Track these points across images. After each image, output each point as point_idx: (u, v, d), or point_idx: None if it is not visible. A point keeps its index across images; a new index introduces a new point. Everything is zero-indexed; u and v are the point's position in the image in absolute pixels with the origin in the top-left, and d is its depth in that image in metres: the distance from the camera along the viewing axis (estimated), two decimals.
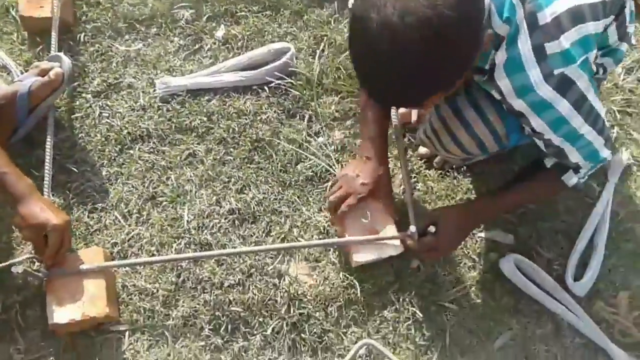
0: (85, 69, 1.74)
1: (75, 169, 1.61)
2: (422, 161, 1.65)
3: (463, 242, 1.52)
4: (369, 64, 1.05)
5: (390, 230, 1.47)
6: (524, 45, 1.11)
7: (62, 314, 1.37)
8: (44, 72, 1.59)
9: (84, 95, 1.71)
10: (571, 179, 1.33)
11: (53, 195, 1.54)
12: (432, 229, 1.39)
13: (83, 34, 1.79)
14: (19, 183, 1.35)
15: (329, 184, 1.56)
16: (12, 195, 1.35)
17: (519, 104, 1.16)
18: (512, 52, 1.12)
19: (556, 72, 1.12)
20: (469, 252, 1.54)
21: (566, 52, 1.11)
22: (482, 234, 1.56)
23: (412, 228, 1.41)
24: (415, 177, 1.63)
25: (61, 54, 1.63)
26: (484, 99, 1.29)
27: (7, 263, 1.37)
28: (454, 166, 1.62)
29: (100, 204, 1.57)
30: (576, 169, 1.31)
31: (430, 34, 0.97)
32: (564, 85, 1.13)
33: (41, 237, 1.36)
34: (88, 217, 1.55)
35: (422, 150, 1.64)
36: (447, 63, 1.03)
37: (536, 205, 1.59)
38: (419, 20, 0.96)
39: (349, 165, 1.51)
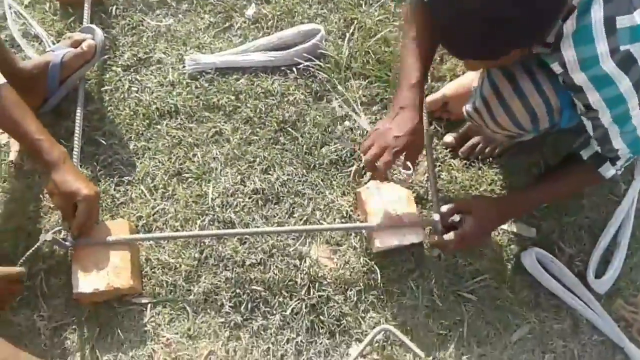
0: (116, 42, 1.75)
1: (103, 142, 1.62)
2: (447, 150, 1.65)
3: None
4: (453, 11, 1.05)
5: (413, 216, 1.48)
6: (596, 14, 1.09)
7: (86, 284, 1.39)
8: (76, 44, 1.60)
9: (114, 68, 1.72)
10: (608, 171, 1.32)
11: (81, 166, 1.56)
12: (456, 217, 1.39)
13: (115, 7, 1.80)
14: (53, 150, 1.37)
15: (363, 140, 1.49)
16: (46, 162, 1.37)
17: (581, 78, 1.14)
18: (583, 21, 1.10)
19: (622, 48, 1.10)
20: (490, 244, 1.54)
21: (637, 28, 1.09)
22: (505, 227, 1.55)
23: (436, 216, 1.41)
24: (439, 166, 1.63)
25: (94, 26, 1.64)
26: (540, 71, 1.27)
27: (40, 242, 1.40)
28: (479, 157, 1.61)
29: (127, 177, 1.59)
30: (613, 159, 1.30)
31: None
32: (628, 63, 1.11)
33: (71, 206, 1.38)
34: (115, 189, 1.57)
35: (448, 138, 1.63)
36: (534, 14, 1.02)
37: (562, 201, 1.58)
38: None
39: (382, 120, 1.41)
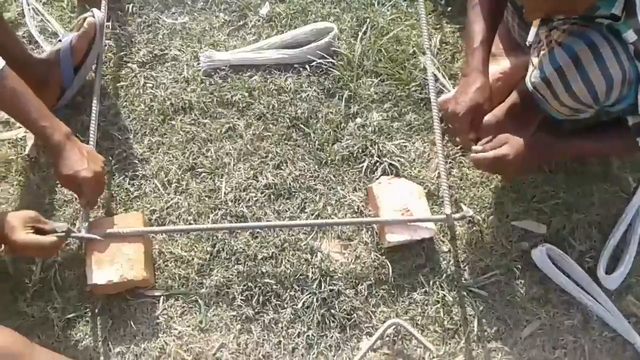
0: (132, 40, 1.78)
1: (118, 136, 1.65)
2: (458, 147, 1.66)
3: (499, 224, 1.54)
4: None
5: (424, 212, 1.49)
6: None
7: (100, 275, 1.41)
8: (79, 26, 1.63)
9: (129, 65, 1.74)
10: None
11: None
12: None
13: (131, 4, 1.82)
14: (54, 136, 1.38)
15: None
16: (49, 147, 1.41)
17: None
18: None
19: None
20: (500, 240, 1.55)
21: None
22: (515, 223, 1.56)
23: (447, 210, 1.42)
24: (450, 162, 1.64)
25: (94, 9, 1.67)
26: (615, 39, 1.25)
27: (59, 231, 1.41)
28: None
29: (141, 172, 1.61)
30: None
31: None
32: None
33: (76, 187, 1.42)
34: (129, 183, 1.59)
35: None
36: None
37: (571, 196, 1.59)
38: None
39: (458, 88, 1.47)
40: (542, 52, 1.36)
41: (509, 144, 1.38)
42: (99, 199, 1.51)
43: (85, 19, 1.63)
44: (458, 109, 1.39)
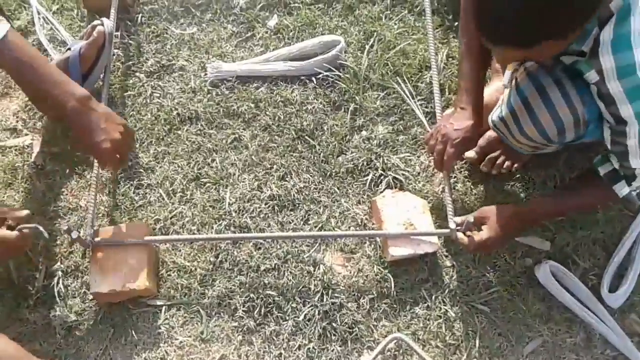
0: (140, 49, 1.79)
1: None
2: (464, 162, 1.66)
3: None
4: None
5: (428, 226, 1.49)
6: (636, 23, 1.09)
7: (103, 283, 1.41)
8: (88, 35, 1.64)
9: (137, 74, 1.76)
10: (622, 189, 1.32)
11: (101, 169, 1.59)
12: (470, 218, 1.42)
13: (140, 15, 1.84)
14: (67, 105, 1.32)
15: (425, 136, 1.58)
16: (65, 117, 1.34)
17: (615, 87, 1.15)
18: (622, 29, 1.10)
19: None
20: (504, 256, 1.54)
21: None
22: (519, 239, 1.55)
23: (452, 224, 1.42)
24: (455, 176, 1.64)
25: (103, 18, 1.68)
26: (570, 83, 1.28)
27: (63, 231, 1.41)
28: (500, 171, 1.61)
29: (146, 181, 1.62)
30: (629, 178, 1.30)
31: None
32: None
33: (96, 156, 1.42)
34: (134, 192, 1.60)
35: (470, 154, 1.63)
36: (569, 5, 1.01)
37: (576, 214, 1.58)
38: None
39: (444, 117, 1.54)
40: (505, 92, 1.44)
41: (489, 226, 1.40)
42: (118, 171, 1.56)
43: (95, 27, 1.64)
44: (455, 135, 1.44)
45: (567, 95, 1.29)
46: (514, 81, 1.38)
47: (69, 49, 1.66)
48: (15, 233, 1.34)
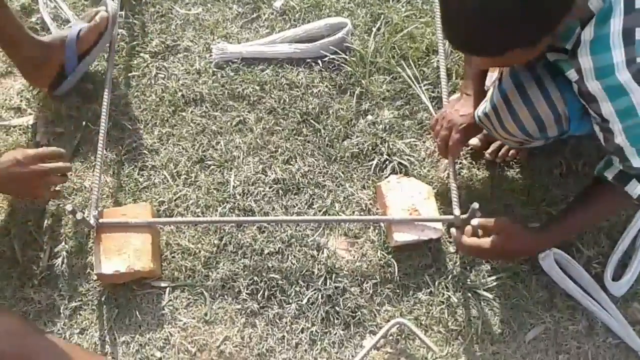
0: (145, 29, 1.78)
1: (129, 126, 1.65)
2: (469, 148, 1.65)
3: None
4: (457, 5, 1.05)
5: (432, 212, 1.49)
6: (615, 25, 1.08)
7: (108, 265, 1.42)
8: (91, 18, 1.63)
9: (142, 54, 1.74)
10: (635, 188, 1.27)
11: (106, 150, 1.58)
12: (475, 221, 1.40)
13: None
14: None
15: (431, 121, 1.59)
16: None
17: (594, 86, 1.14)
18: (602, 30, 1.09)
19: (639, 59, 1.09)
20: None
21: None
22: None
23: (456, 211, 1.42)
24: (460, 163, 1.63)
25: (107, 1, 1.66)
26: (550, 80, 1.28)
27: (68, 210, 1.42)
28: (505, 159, 1.61)
29: (150, 162, 1.61)
30: (638, 175, 1.26)
31: None
32: None
33: None
34: (138, 174, 1.60)
35: (474, 141, 1.62)
36: (536, 13, 1.01)
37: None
38: None
39: (450, 103, 1.56)
40: (491, 87, 1.44)
41: (499, 239, 1.36)
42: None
43: (97, 12, 1.63)
44: (460, 120, 1.46)
45: (547, 93, 1.28)
46: (498, 77, 1.38)
47: (70, 27, 1.64)
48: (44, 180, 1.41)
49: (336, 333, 1.45)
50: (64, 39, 1.60)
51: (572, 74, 1.18)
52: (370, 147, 1.64)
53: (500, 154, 1.62)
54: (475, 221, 1.40)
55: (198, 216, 1.56)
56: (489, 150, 1.63)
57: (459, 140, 1.46)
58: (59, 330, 1.44)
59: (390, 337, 1.45)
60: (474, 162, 1.63)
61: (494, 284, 1.50)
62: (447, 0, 1.08)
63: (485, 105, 1.42)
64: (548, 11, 1.03)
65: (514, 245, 1.37)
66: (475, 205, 1.39)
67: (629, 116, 1.15)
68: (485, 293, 1.49)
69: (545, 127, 1.33)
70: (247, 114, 1.68)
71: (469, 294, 1.49)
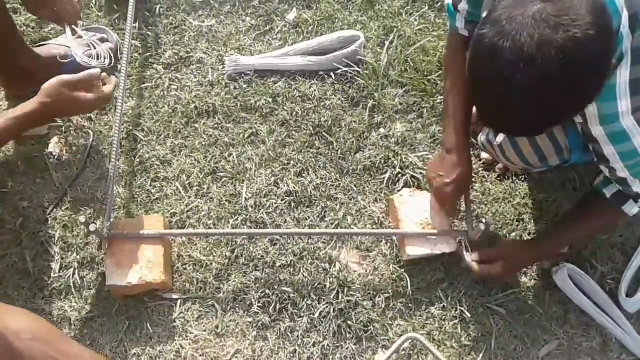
0: (158, 41, 1.78)
1: (142, 137, 1.65)
2: (481, 162, 1.65)
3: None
4: (499, 93, 1.01)
5: (445, 226, 1.48)
6: (623, 75, 1.08)
7: (119, 277, 1.41)
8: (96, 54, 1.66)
9: (155, 66, 1.75)
10: (632, 209, 1.30)
11: (119, 161, 1.59)
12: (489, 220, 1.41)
13: (159, 5, 1.83)
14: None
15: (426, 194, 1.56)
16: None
17: (598, 131, 1.14)
18: (610, 80, 1.08)
19: None
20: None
21: None
22: None
23: (482, 225, 1.41)
24: (473, 177, 1.62)
25: (106, 28, 1.70)
26: None
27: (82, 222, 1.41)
28: (516, 173, 1.61)
29: (163, 174, 1.61)
30: (636, 197, 1.28)
31: (570, 66, 0.94)
32: None
33: (51, 10, 1.48)
34: (150, 185, 1.60)
35: (485, 155, 1.63)
36: (581, 93, 1.00)
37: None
38: (558, 51, 0.93)
39: (433, 161, 1.51)
40: None
41: (504, 265, 1.40)
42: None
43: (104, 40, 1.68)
44: (447, 190, 1.43)
45: None
46: None
47: (68, 47, 1.63)
48: (90, 99, 1.39)
49: (348, 347, 1.44)
50: (62, 60, 1.60)
51: (576, 117, 1.18)
52: (382, 161, 1.63)
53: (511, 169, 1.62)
54: (475, 256, 1.44)
55: (210, 228, 1.55)
56: (499, 166, 1.63)
57: (452, 208, 1.48)
58: None
59: (403, 352, 1.44)
60: (486, 176, 1.63)
61: (508, 299, 1.49)
62: (487, 89, 1.04)
63: (488, 132, 1.43)
64: (593, 84, 1.01)
65: (519, 265, 1.45)
66: (490, 220, 1.39)
67: (630, 158, 1.17)
68: (498, 308, 1.48)
69: (546, 157, 1.34)
70: (259, 126, 1.67)
71: (482, 309, 1.48)
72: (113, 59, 1.62)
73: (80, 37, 1.58)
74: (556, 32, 0.93)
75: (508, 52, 0.96)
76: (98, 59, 1.59)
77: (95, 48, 1.58)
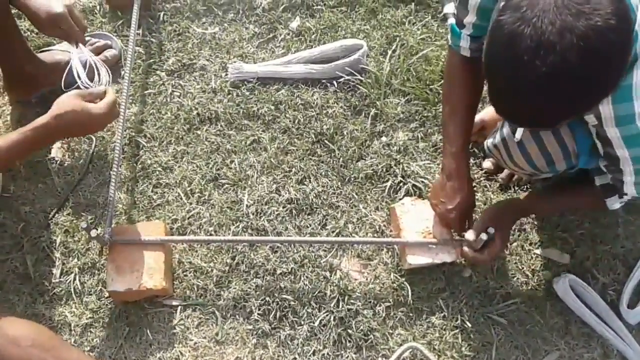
0: (162, 48, 1.79)
1: (144, 143, 1.65)
2: (483, 171, 1.65)
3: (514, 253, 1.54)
4: (516, 79, 1.00)
5: (447, 235, 1.48)
6: (638, 75, 1.07)
7: (120, 282, 1.41)
8: (98, 50, 1.65)
9: (158, 72, 1.75)
10: (615, 203, 1.32)
11: (121, 167, 1.59)
12: (483, 236, 1.38)
13: (162, 12, 1.84)
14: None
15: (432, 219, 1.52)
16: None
17: (613, 133, 1.14)
18: (625, 81, 1.07)
19: None
20: (522, 268, 1.53)
21: None
22: (538, 251, 1.54)
23: (469, 236, 1.40)
24: (475, 186, 1.62)
25: (110, 35, 1.71)
26: None
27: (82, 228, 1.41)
28: (519, 183, 1.61)
29: (164, 180, 1.61)
30: (622, 196, 1.29)
31: (590, 55, 0.93)
32: None
33: (58, 29, 1.46)
34: (152, 191, 1.60)
35: (486, 164, 1.63)
36: (598, 84, 0.99)
37: (596, 227, 1.57)
38: (579, 39, 0.92)
39: (435, 186, 1.49)
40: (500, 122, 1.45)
41: (498, 239, 1.38)
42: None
43: (105, 47, 1.70)
44: (451, 216, 1.43)
45: (556, 130, 1.29)
46: None
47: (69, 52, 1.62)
48: (102, 106, 1.36)
49: (348, 356, 1.44)
50: (65, 65, 1.59)
51: (590, 119, 1.18)
52: (384, 169, 1.63)
53: (514, 178, 1.61)
54: (469, 236, 1.39)
55: (211, 235, 1.55)
56: (502, 175, 1.63)
57: (460, 229, 1.46)
58: None
59: None
60: (488, 186, 1.63)
61: (509, 309, 1.49)
62: (504, 76, 1.02)
63: (495, 137, 1.42)
64: (613, 75, 1.00)
65: (506, 224, 1.43)
66: (491, 230, 1.38)
67: None
68: (499, 318, 1.47)
69: (554, 161, 1.34)
70: (261, 134, 1.68)
71: (483, 319, 1.48)
72: (111, 81, 1.59)
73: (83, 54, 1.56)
74: (578, 19, 0.92)
75: (528, 38, 0.94)
76: (98, 79, 1.56)
77: (97, 69, 1.56)
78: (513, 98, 1.03)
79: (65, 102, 1.33)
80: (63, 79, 1.55)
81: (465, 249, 1.41)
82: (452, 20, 1.40)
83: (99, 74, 1.55)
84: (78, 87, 1.48)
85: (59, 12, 1.43)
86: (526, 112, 1.04)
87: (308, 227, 1.57)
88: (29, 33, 1.79)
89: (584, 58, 0.93)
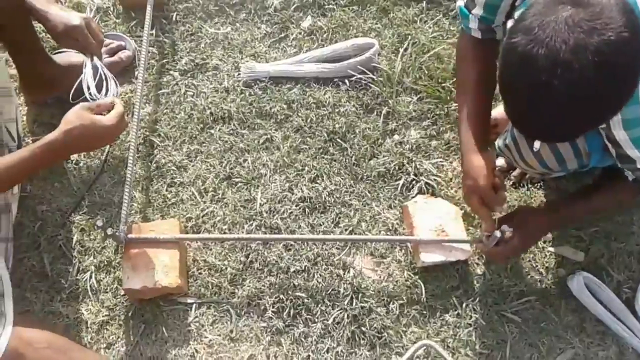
0: (175, 48, 1.80)
1: (158, 143, 1.67)
2: (497, 169, 1.64)
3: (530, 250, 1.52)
4: (535, 101, 1.01)
5: (460, 233, 1.48)
6: None
7: (135, 280, 1.42)
8: (112, 52, 1.67)
9: (171, 72, 1.77)
10: None
11: (136, 166, 1.60)
12: (498, 233, 1.36)
13: (175, 13, 1.85)
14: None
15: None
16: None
17: (621, 135, 1.14)
18: None
19: None
20: (536, 266, 1.53)
21: None
22: (552, 249, 1.54)
23: (498, 233, 1.39)
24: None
25: (124, 35, 1.73)
26: None
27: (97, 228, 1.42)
28: (532, 181, 1.61)
29: (178, 179, 1.62)
30: None
31: (606, 70, 0.94)
32: None
33: (75, 41, 1.47)
34: (166, 190, 1.61)
35: (499, 162, 1.62)
36: (618, 98, 1.00)
37: (610, 224, 1.57)
38: (593, 55, 0.93)
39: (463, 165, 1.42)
40: None
41: (519, 234, 1.34)
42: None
43: (119, 48, 1.72)
44: (476, 184, 1.35)
45: None
46: None
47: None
48: (111, 118, 1.36)
49: (362, 354, 1.44)
50: (80, 66, 1.57)
51: None
52: (396, 167, 1.64)
53: (526, 177, 1.61)
54: (498, 233, 1.34)
55: (225, 233, 1.56)
56: (515, 173, 1.62)
57: (490, 195, 1.35)
58: (86, 345, 1.44)
59: (417, 359, 1.44)
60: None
61: (523, 307, 1.48)
62: (523, 97, 1.02)
63: (505, 136, 1.42)
64: (628, 88, 1.01)
65: (535, 232, 1.40)
66: (505, 228, 1.36)
67: None
68: (513, 316, 1.47)
69: (565, 161, 1.34)
70: (274, 132, 1.69)
71: (497, 317, 1.47)
72: (118, 92, 1.58)
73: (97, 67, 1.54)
74: (590, 36, 0.93)
75: (543, 59, 0.95)
76: (106, 91, 1.53)
77: (106, 80, 1.53)
78: (535, 118, 1.04)
79: (73, 117, 1.33)
80: (71, 92, 1.51)
81: (483, 239, 1.40)
82: (460, 3, 1.39)
83: (107, 86, 1.52)
84: (85, 99, 1.47)
85: (75, 24, 1.44)
86: (548, 130, 1.05)
87: (321, 225, 1.58)
88: (44, 34, 1.80)
89: (601, 73, 0.94)
